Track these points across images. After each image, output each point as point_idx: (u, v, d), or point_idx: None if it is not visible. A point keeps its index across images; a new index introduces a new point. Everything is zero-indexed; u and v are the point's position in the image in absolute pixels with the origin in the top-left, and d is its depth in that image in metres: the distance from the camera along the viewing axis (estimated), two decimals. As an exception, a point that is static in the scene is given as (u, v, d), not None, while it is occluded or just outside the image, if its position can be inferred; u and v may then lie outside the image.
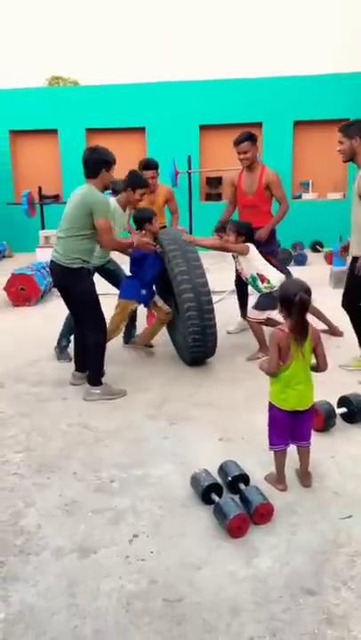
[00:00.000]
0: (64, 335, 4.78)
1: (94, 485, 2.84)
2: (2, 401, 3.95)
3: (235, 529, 2.37)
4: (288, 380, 2.63)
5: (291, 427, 2.72)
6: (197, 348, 4.26)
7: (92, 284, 3.99)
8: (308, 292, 2.59)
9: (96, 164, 3.79)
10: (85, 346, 3.99)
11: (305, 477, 2.78)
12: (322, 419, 3.26)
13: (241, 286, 5.34)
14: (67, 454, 3.16)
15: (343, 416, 3.42)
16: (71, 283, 3.85)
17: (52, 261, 3.90)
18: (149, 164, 5.21)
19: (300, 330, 2.59)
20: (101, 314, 3.92)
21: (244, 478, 2.70)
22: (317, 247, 11.57)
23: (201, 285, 4.16)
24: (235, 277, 5.30)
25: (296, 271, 5.78)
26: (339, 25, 45.08)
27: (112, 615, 1.99)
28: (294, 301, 2.54)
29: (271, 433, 2.75)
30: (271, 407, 2.74)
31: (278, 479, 2.77)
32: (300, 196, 12.45)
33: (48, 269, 4.35)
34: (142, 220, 4.50)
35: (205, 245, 4.62)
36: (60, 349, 4.78)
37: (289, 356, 2.61)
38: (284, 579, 2.16)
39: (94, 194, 3.74)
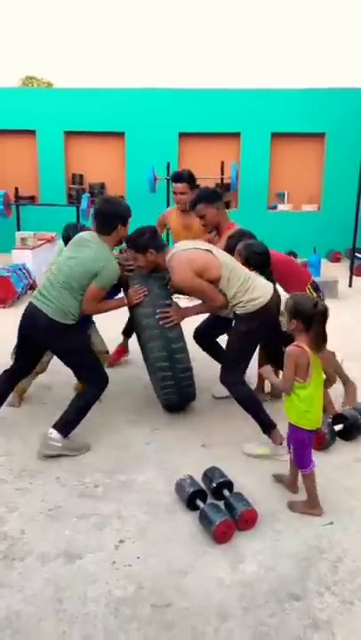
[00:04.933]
0: None
1: (78, 490, 2.83)
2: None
3: (220, 534, 2.40)
4: (311, 398, 2.57)
5: None
6: (168, 394, 3.62)
7: (84, 332, 3.54)
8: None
9: (112, 218, 3.26)
10: (80, 391, 3.39)
11: (295, 485, 2.81)
12: (324, 438, 3.23)
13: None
14: (49, 460, 3.13)
15: (340, 433, 3.37)
16: (61, 339, 3.20)
17: (36, 308, 3.18)
18: (179, 176, 4.32)
19: (323, 343, 2.51)
20: (98, 362, 3.37)
21: (229, 485, 2.74)
22: (291, 257, 11.76)
23: (174, 341, 3.48)
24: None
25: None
26: (316, 43, 46.15)
27: (100, 621, 1.99)
28: (316, 312, 2.46)
29: (303, 454, 2.63)
30: (297, 430, 2.62)
31: (315, 504, 2.64)
32: (275, 207, 12.64)
33: (26, 317, 3.28)
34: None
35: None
36: None
37: (309, 374, 2.53)
38: (270, 584, 2.19)
39: (107, 259, 3.20)
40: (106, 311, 3.46)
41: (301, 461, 2.65)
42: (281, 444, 3.11)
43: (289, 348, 2.55)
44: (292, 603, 2.10)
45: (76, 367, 3.33)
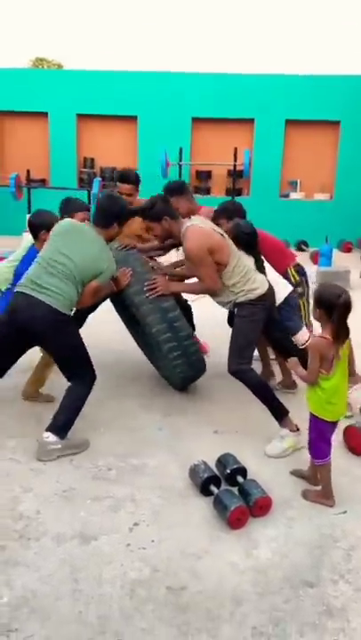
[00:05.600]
0: None
1: (91, 473, 2.85)
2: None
3: (235, 520, 2.41)
4: (335, 389, 2.55)
5: None
6: (180, 366, 3.67)
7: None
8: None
9: (111, 215, 3.27)
10: (67, 391, 3.17)
11: (316, 477, 2.77)
12: None
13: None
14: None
15: None
16: (63, 333, 3.09)
17: (34, 299, 2.98)
18: (126, 178, 4.14)
19: (344, 335, 2.50)
20: (89, 356, 3.22)
21: (243, 471, 2.74)
22: (303, 246, 11.71)
23: (169, 310, 3.55)
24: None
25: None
26: (333, 28, 45.43)
27: (116, 602, 2.01)
28: (338, 303, 2.43)
29: (320, 446, 2.61)
30: (317, 420, 2.61)
31: (328, 494, 2.63)
32: (287, 195, 12.55)
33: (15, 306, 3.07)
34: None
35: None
36: None
37: (333, 365, 2.51)
38: (284, 570, 2.20)
39: (110, 257, 3.23)
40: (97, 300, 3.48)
41: (316, 452, 2.64)
42: (297, 430, 3.11)
43: (314, 340, 2.54)
44: (306, 590, 2.11)
45: (70, 362, 3.16)
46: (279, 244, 4.11)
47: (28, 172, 10.53)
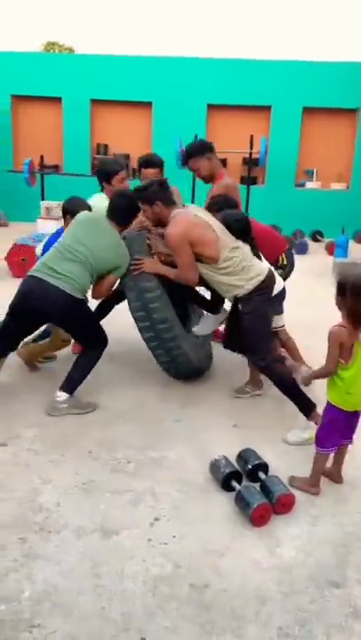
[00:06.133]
0: None
1: (110, 465, 2.81)
2: (11, 376, 3.87)
3: (258, 518, 2.37)
4: (354, 379, 2.49)
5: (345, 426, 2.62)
6: (166, 364, 3.67)
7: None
8: None
9: (130, 214, 3.48)
10: (82, 352, 3.50)
11: (339, 475, 2.75)
12: None
13: None
14: (80, 432, 3.12)
15: None
16: (77, 316, 3.32)
17: (47, 283, 3.16)
18: (152, 162, 4.15)
19: (356, 321, 2.42)
20: (99, 326, 3.54)
21: (264, 467, 2.70)
22: (317, 237, 11.57)
23: (147, 290, 3.44)
24: None
25: (297, 260, 5.61)
26: (353, 13, 44.51)
27: (139, 598, 1.98)
28: (346, 286, 2.37)
29: (327, 435, 2.60)
30: (332, 408, 2.58)
31: (314, 482, 2.64)
32: (303, 185, 12.38)
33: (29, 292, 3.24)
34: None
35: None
36: None
37: (352, 353, 2.46)
38: (309, 570, 2.16)
39: (126, 253, 3.42)
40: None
41: (323, 439, 2.61)
42: None
43: (333, 328, 2.48)
44: (331, 590, 2.06)
45: (81, 336, 3.50)
46: (271, 232, 3.98)
47: (42, 157, 10.45)
